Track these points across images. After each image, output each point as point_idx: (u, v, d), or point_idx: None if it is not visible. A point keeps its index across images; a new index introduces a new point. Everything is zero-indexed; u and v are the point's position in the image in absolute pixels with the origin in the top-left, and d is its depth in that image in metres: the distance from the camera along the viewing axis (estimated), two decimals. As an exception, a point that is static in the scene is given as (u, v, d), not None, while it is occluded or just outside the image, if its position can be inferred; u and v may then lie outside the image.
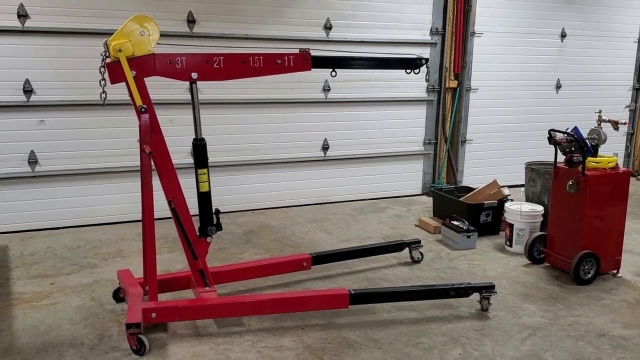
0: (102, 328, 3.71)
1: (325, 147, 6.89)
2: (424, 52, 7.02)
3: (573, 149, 4.55)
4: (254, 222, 6.19)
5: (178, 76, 3.62)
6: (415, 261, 5.00)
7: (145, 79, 3.53)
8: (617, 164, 4.68)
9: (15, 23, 5.36)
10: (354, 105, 6.91)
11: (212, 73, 3.68)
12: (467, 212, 5.66)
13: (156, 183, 3.58)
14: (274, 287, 4.41)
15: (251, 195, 6.59)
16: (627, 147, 8.84)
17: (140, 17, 3.46)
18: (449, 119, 7.52)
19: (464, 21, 7.23)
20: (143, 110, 3.49)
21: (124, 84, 3.46)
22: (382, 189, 7.27)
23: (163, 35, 3.58)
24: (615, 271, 4.78)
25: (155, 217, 3.61)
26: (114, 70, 3.44)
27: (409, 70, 4.21)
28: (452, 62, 7.35)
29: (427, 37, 7.12)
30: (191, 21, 5.97)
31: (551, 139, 4.64)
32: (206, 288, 3.84)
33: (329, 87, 6.72)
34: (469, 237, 5.38)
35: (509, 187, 6.14)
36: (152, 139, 3.54)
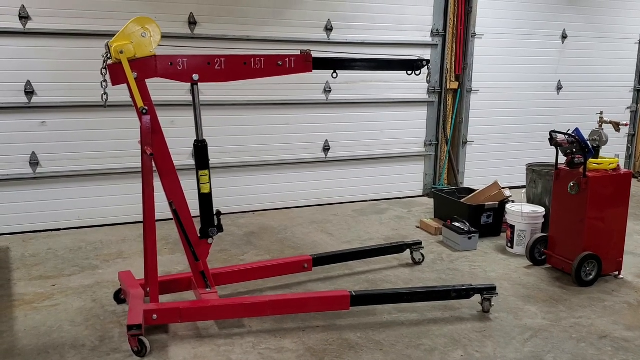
0: (103, 329, 3.71)
1: (326, 149, 6.89)
2: (425, 54, 7.03)
3: (574, 150, 4.55)
4: (255, 223, 6.19)
5: (179, 78, 3.62)
6: (416, 263, 5.00)
7: (146, 80, 3.53)
8: (618, 165, 4.67)
9: (17, 25, 5.37)
10: (355, 107, 6.92)
11: (213, 74, 3.69)
12: (468, 214, 5.65)
13: (157, 184, 3.57)
14: (275, 289, 4.41)
15: (252, 196, 6.59)
16: (628, 148, 8.84)
17: (141, 19, 3.47)
18: (450, 120, 7.52)
19: (464, 22, 7.23)
20: (144, 111, 3.49)
21: (125, 85, 3.46)
22: (383, 190, 7.26)
23: (164, 36, 3.58)
24: (616, 273, 4.77)
25: (156, 218, 3.61)
26: (115, 72, 3.45)
27: (410, 72, 4.21)
28: (453, 63, 7.36)
29: (428, 39, 7.13)
30: (192, 23, 5.98)
31: (552, 141, 4.64)
32: (207, 289, 3.84)
33: (329, 88, 6.72)
34: (470, 238, 5.38)
35: (510, 188, 6.13)
36: (153, 140, 3.54)
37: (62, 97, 5.64)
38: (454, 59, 7.35)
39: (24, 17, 5.37)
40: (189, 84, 3.68)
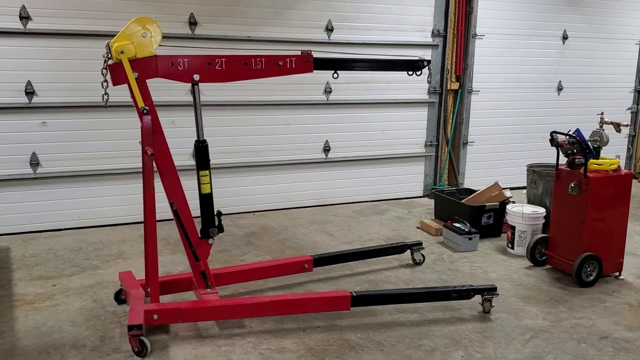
0: (103, 330, 3.71)
1: (326, 149, 6.89)
2: (426, 54, 7.03)
3: (575, 151, 4.55)
4: (256, 223, 6.18)
5: (180, 78, 3.62)
6: (416, 263, 4.99)
7: (147, 80, 3.53)
8: (619, 166, 4.67)
9: (17, 25, 5.37)
10: (356, 107, 6.92)
11: (214, 75, 3.69)
12: (468, 214, 5.65)
13: (158, 185, 3.57)
14: (276, 289, 4.41)
15: (252, 197, 6.59)
16: (628, 149, 8.84)
17: (142, 19, 3.47)
18: (451, 121, 7.52)
19: (465, 23, 7.24)
20: (145, 111, 3.49)
21: (125, 85, 3.46)
22: (384, 191, 7.26)
23: (165, 37, 3.58)
24: (617, 273, 4.77)
25: (157, 218, 3.61)
26: (116, 72, 3.45)
27: (411, 72, 4.21)
28: (454, 64, 7.36)
29: (429, 39, 7.13)
30: (193, 23, 5.98)
31: (553, 141, 4.64)
32: (208, 290, 3.84)
33: (330, 89, 6.72)
34: (470, 239, 5.38)
35: (511, 189, 6.13)
36: (154, 140, 3.54)
37: (62, 98, 5.64)
38: (454, 60, 7.35)
39: (24, 17, 5.38)
40: (189, 84, 3.68)
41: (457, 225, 5.52)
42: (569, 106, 8.06)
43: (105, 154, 5.87)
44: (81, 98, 5.65)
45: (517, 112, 7.81)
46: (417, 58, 4.21)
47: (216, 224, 3.83)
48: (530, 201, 5.98)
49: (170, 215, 3.72)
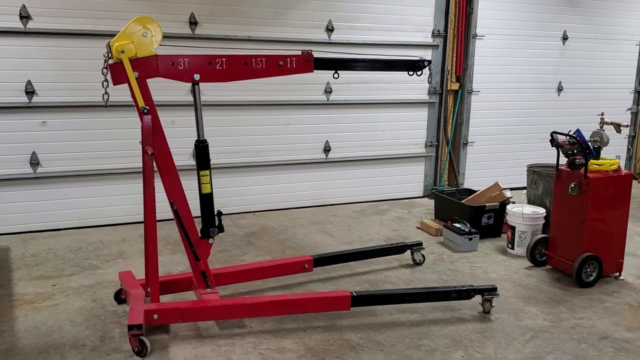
0: (103, 329, 3.71)
1: (326, 149, 6.89)
2: (426, 55, 7.03)
3: (575, 151, 4.55)
4: (256, 223, 6.18)
5: (180, 77, 3.62)
6: (417, 263, 4.99)
7: (147, 80, 3.53)
8: (619, 166, 4.67)
9: (18, 24, 5.37)
10: (356, 108, 6.92)
11: (214, 74, 3.68)
12: (468, 215, 5.65)
13: (158, 184, 3.57)
14: (276, 289, 4.40)
15: (253, 197, 6.59)
16: (628, 149, 8.84)
17: (142, 19, 3.47)
18: (451, 121, 7.52)
19: (465, 23, 7.24)
20: (145, 111, 3.49)
21: (126, 85, 3.46)
22: (384, 191, 7.26)
23: (165, 36, 3.58)
24: (617, 274, 4.77)
25: (157, 218, 3.60)
26: (116, 72, 3.45)
27: (411, 73, 4.21)
28: (454, 64, 7.36)
29: (429, 40, 7.13)
30: (193, 23, 5.98)
31: (553, 142, 4.64)
32: (208, 290, 3.84)
33: (330, 89, 6.72)
34: (470, 239, 5.38)
35: (511, 189, 6.12)
36: (154, 140, 3.54)
37: (62, 97, 5.64)
38: (454, 60, 7.35)
39: (24, 16, 5.37)
40: (190, 84, 3.68)
41: (457, 225, 5.52)
42: (569, 107, 8.06)
43: (105, 153, 5.87)
44: (81, 97, 5.65)
45: (517, 112, 7.81)
46: (417, 58, 4.21)
47: (216, 224, 3.83)
48: (531, 201, 5.98)
49: (171, 215, 3.72)
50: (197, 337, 3.64)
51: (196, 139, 3.74)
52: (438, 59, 7.20)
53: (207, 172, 3.72)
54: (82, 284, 4.45)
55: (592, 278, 4.57)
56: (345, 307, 3.81)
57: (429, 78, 4.38)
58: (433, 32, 7.12)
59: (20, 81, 5.47)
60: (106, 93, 3.53)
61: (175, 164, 3.69)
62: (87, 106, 5.70)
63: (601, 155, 4.71)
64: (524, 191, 6.15)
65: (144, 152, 3.55)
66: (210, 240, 3.85)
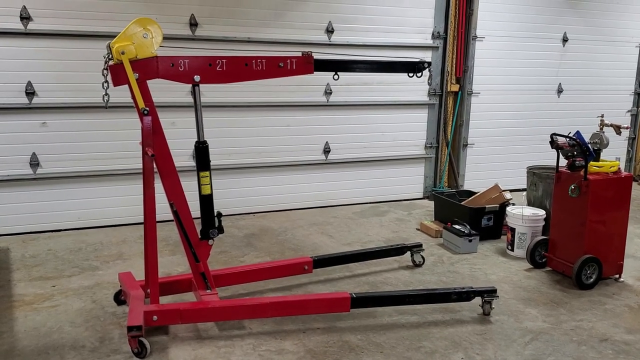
0: (103, 331, 3.71)
1: (326, 151, 6.89)
2: (426, 56, 7.03)
3: (575, 153, 4.55)
4: (255, 225, 6.18)
5: (181, 79, 3.63)
6: (416, 265, 4.99)
7: (147, 81, 3.53)
8: (619, 168, 4.67)
9: (18, 25, 5.37)
10: (356, 109, 6.92)
11: (214, 76, 3.69)
12: (468, 216, 5.65)
13: (158, 185, 3.57)
14: (276, 291, 4.40)
15: (252, 198, 6.59)
16: (628, 151, 8.84)
17: (143, 20, 3.47)
18: (451, 122, 7.52)
19: (465, 25, 7.24)
20: (146, 112, 3.49)
21: (126, 86, 3.46)
22: (384, 193, 7.26)
23: (165, 38, 3.58)
24: (617, 276, 4.77)
25: (157, 219, 3.60)
26: (116, 73, 3.45)
27: (411, 74, 4.21)
28: (454, 66, 7.36)
29: (429, 41, 7.13)
30: (193, 24, 5.98)
31: (553, 143, 4.64)
32: (207, 291, 3.84)
33: (330, 90, 6.72)
34: (470, 241, 5.38)
35: (511, 191, 6.13)
36: (154, 141, 3.54)
37: (63, 98, 5.64)
38: (454, 62, 7.35)
39: (25, 17, 5.38)
40: (190, 85, 3.68)
41: (457, 227, 5.52)
42: (569, 108, 8.06)
43: (105, 154, 5.87)
44: (82, 99, 5.65)
45: (517, 114, 7.82)
46: (417, 60, 4.21)
47: (216, 225, 3.82)
48: (530, 203, 5.98)
49: (170, 216, 3.72)
50: (197, 338, 3.64)
51: (196, 140, 3.74)
52: (438, 61, 7.20)
53: (207, 173, 3.72)
54: (81, 285, 4.44)
55: (592, 280, 4.57)
56: (345, 308, 3.81)
57: (428, 79, 4.38)
58: (433, 34, 7.12)
59: (20, 82, 5.47)
60: (106, 94, 3.53)
61: (175, 165, 3.69)
62: (87, 107, 5.70)
63: (601, 157, 4.71)
64: (524, 193, 6.15)
65: (144, 153, 3.55)
66: (210, 242, 3.85)
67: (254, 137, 6.48)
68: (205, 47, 5.81)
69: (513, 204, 5.69)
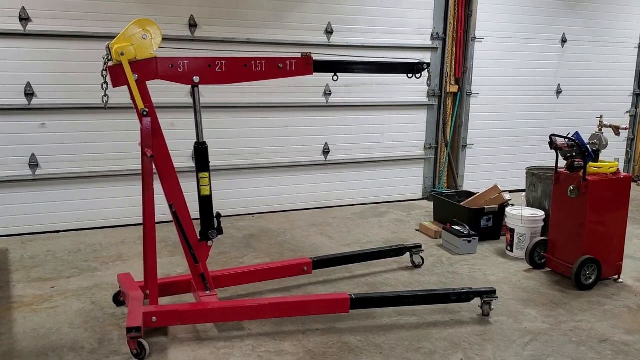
0: (102, 332, 3.70)
1: (326, 151, 6.89)
2: (425, 57, 7.04)
3: (574, 154, 4.55)
4: (255, 226, 6.18)
5: (180, 80, 3.63)
6: (416, 266, 4.99)
7: (147, 82, 3.53)
8: (618, 169, 4.68)
9: (17, 26, 5.37)
10: (355, 110, 6.92)
11: (214, 77, 3.69)
12: (468, 217, 5.65)
13: (157, 186, 3.57)
14: (275, 292, 4.40)
15: (252, 199, 6.59)
16: (627, 152, 8.85)
17: (142, 21, 3.47)
18: (450, 123, 7.53)
19: (464, 26, 7.25)
20: (145, 113, 3.49)
21: (125, 87, 3.46)
22: (383, 194, 7.27)
23: (165, 39, 3.58)
24: (616, 276, 4.77)
25: (156, 220, 3.60)
26: (116, 74, 3.45)
27: (410, 75, 4.21)
28: (453, 67, 7.37)
29: (428, 42, 7.14)
30: (193, 25, 5.98)
31: (552, 144, 4.64)
32: (207, 292, 3.84)
33: (330, 91, 6.73)
34: (469, 241, 5.38)
35: (510, 192, 6.13)
36: (153, 142, 3.54)
37: (62, 99, 5.64)
38: (454, 63, 7.36)
39: (24, 18, 5.38)
40: (189, 86, 3.68)
41: (456, 227, 5.52)
42: (568, 109, 8.07)
43: (104, 155, 5.87)
44: (81, 100, 5.65)
45: (516, 115, 7.82)
46: (417, 61, 4.21)
47: (215, 226, 3.82)
48: (530, 204, 5.98)
49: (170, 217, 3.72)
50: (196, 339, 3.63)
51: (195, 141, 3.74)
52: (437, 62, 7.21)
53: (207, 174, 3.72)
54: (80, 286, 4.44)
55: (591, 281, 4.57)
56: (345, 309, 3.81)
57: (428, 80, 4.38)
58: (432, 35, 7.13)
59: (19, 83, 5.47)
60: (106, 95, 3.53)
61: (175, 166, 3.69)
62: (86, 108, 5.70)
63: (600, 158, 4.72)
64: (523, 194, 6.15)
65: (143, 154, 3.55)
66: (209, 243, 3.84)
67: (254, 138, 6.48)
68: (204, 48, 5.81)
69: (512, 205, 5.70)
